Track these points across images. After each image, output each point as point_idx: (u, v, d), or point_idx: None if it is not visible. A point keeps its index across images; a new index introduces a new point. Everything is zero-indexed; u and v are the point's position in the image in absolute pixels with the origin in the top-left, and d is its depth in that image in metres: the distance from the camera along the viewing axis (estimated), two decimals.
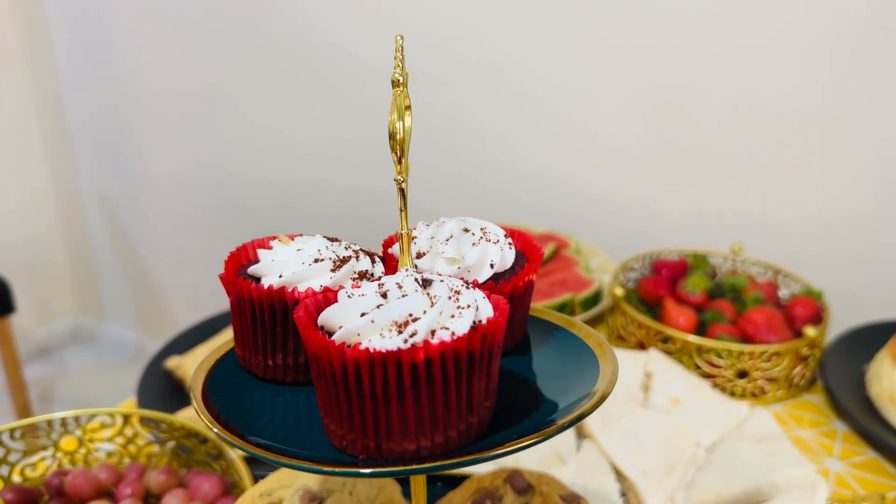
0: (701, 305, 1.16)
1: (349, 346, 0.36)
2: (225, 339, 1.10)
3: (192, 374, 0.46)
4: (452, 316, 0.38)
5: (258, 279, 0.47)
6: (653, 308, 1.19)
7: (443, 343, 0.36)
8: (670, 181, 1.49)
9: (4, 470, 0.86)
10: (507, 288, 0.47)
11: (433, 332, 0.37)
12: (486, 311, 0.39)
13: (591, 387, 0.43)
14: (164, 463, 0.88)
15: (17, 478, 0.86)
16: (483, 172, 1.72)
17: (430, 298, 0.38)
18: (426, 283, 0.39)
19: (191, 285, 2.48)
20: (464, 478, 0.66)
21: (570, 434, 0.93)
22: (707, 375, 1.07)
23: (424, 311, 0.37)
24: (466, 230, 0.50)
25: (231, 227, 2.24)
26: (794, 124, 1.34)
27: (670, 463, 0.83)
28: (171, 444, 0.88)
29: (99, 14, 2.24)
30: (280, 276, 0.45)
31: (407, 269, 0.41)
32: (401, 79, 0.40)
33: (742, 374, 1.06)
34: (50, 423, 0.87)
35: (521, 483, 0.63)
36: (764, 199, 1.41)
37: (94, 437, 0.90)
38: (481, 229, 0.50)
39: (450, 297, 0.38)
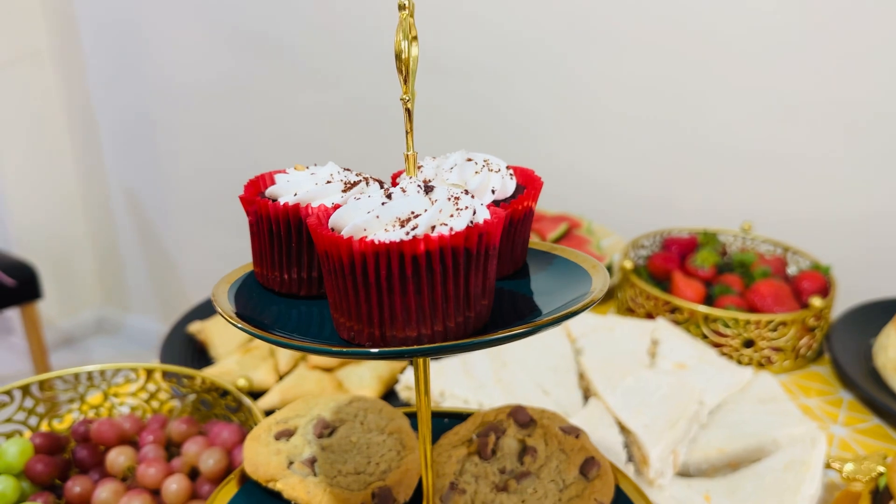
0: (709, 279, 1.18)
1: (356, 240, 0.40)
2: None
3: (214, 287, 0.49)
4: (451, 215, 0.41)
5: (275, 200, 0.50)
6: (662, 282, 1.21)
7: (441, 237, 0.39)
8: (683, 170, 1.51)
9: (33, 421, 0.90)
10: (507, 211, 0.50)
11: (433, 228, 0.40)
12: (483, 214, 0.42)
13: (583, 293, 0.46)
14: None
15: (44, 429, 0.90)
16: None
17: (431, 200, 0.42)
18: (428, 189, 0.43)
19: (214, 277, 2.53)
20: (469, 414, 0.69)
21: (576, 393, 0.95)
22: (714, 345, 1.09)
23: (425, 210, 0.41)
24: (470, 160, 0.53)
25: None
26: (807, 113, 1.36)
27: (673, 417, 0.85)
28: (191, 397, 0.91)
29: (127, 13, 2.30)
30: (295, 195, 0.49)
31: (410, 178, 0.44)
32: (406, 3, 0.44)
33: (749, 344, 1.08)
34: (77, 376, 0.91)
35: (523, 417, 0.66)
36: (775, 185, 1.42)
37: (119, 392, 0.94)
38: (484, 160, 0.53)
39: (449, 199, 0.42)
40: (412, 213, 0.40)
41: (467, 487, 0.60)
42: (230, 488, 0.60)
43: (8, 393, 0.88)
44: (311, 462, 0.60)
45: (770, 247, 1.27)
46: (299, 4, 1.90)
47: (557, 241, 1.38)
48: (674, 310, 1.11)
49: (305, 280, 0.50)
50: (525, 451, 0.63)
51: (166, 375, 0.93)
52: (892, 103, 1.29)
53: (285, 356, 1.05)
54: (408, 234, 0.39)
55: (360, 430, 0.64)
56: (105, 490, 0.77)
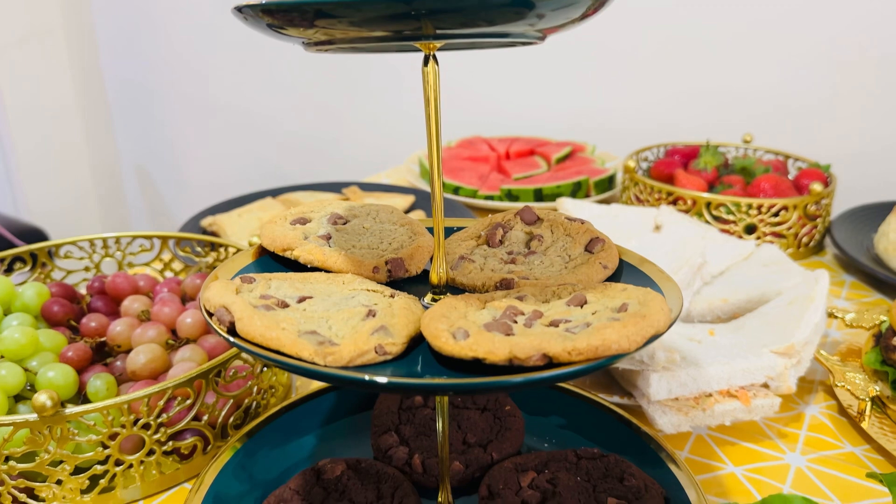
0: (711, 181, 1.20)
1: None
2: (261, 206, 1.16)
3: None
4: None
5: None
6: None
7: None
8: (683, 103, 1.54)
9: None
10: None
11: None
12: None
13: None
14: None
15: None
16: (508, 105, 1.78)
17: None
18: None
19: None
20: None
21: None
22: None
23: None
24: None
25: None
26: (803, 48, 1.39)
27: (676, 266, 0.86)
28: (206, 260, 0.93)
29: None
30: None
31: None
32: None
33: (751, 230, 1.09)
34: (91, 242, 0.93)
35: (530, 216, 0.67)
36: (773, 113, 1.45)
37: (133, 263, 0.96)
38: None
39: None
40: None
41: (476, 260, 0.62)
42: (246, 258, 0.61)
43: (24, 256, 0.90)
44: (327, 238, 0.62)
45: (772, 156, 1.29)
46: None
47: (562, 160, 1.40)
48: (676, 201, 1.12)
49: None
50: (532, 239, 0.65)
51: (181, 243, 0.95)
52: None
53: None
54: None
55: (374, 221, 0.66)
56: (120, 323, 0.78)
